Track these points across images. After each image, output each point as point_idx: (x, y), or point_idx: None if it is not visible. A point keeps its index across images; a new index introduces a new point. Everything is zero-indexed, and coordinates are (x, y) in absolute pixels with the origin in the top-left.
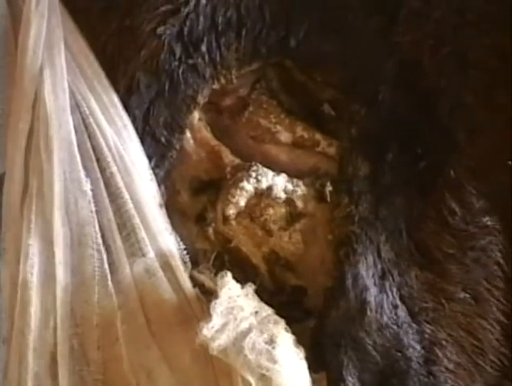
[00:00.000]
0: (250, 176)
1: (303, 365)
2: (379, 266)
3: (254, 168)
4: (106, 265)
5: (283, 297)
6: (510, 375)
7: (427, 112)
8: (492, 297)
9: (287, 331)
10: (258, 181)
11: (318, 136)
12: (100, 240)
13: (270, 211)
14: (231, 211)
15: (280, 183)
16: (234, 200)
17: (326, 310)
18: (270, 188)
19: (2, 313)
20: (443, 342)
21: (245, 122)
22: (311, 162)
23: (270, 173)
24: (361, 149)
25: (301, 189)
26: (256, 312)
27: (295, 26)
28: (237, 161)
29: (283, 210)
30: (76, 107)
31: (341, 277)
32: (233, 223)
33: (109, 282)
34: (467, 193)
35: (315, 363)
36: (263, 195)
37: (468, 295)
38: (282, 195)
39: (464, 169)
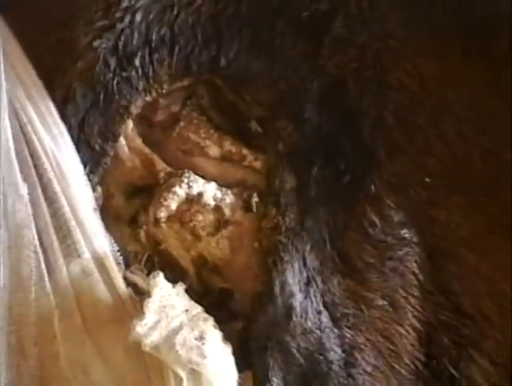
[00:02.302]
0: (182, 182)
1: (231, 360)
2: (304, 274)
3: (186, 175)
4: (43, 266)
5: (211, 298)
6: (423, 378)
7: (350, 131)
8: (408, 305)
9: (216, 328)
10: (189, 187)
11: (245, 150)
12: (37, 242)
13: (200, 217)
14: (162, 214)
15: (210, 191)
16: (166, 203)
17: (254, 314)
18: (200, 194)
19: None
20: (362, 347)
21: (176, 136)
22: (239, 174)
23: (201, 180)
24: (287, 163)
25: (229, 198)
26: (186, 310)
27: (226, 47)
28: (170, 169)
29: (212, 217)
30: (14, 115)
31: (269, 283)
32: (164, 226)
33: (47, 282)
34: (386, 207)
35: (242, 363)
36: (193, 201)
37: (386, 302)
38: (212, 202)
39: (384, 184)
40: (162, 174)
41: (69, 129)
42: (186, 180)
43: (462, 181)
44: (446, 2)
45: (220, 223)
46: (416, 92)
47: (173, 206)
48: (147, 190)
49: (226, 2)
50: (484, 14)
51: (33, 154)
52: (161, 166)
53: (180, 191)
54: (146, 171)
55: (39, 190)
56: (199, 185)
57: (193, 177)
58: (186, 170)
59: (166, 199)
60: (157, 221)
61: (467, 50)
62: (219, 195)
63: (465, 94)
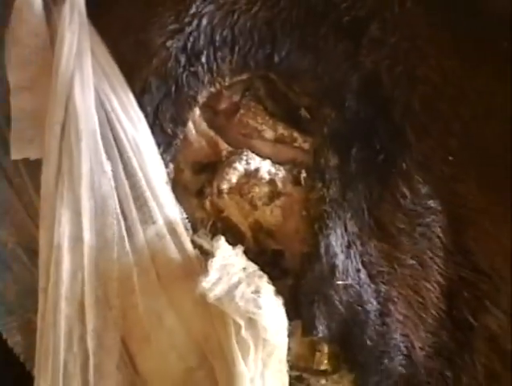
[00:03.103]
0: (242, 159)
1: (282, 311)
2: (346, 238)
3: (245, 153)
4: (124, 230)
5: (265, 258)
6: (446, 326)
7: (384, 116)
8: (434, 264)
9: (269, 284)
10: (247, 163)
11: (295, 134)
12: (118, 210)
13: (256, 189)
14: (224, 186)
15: (265, 167)
16: (228, 177)
17: (302, 272)
18: (257, 170)
19: (41, 268)
20: (395, 299)
21: (237, 122)
22: (290, 154)
23: (258, 158)
24: (331, 144)
25: (282, 173)
26: (244, 268)
27: (279, 47)
28: (231, 148)
29: (267, 189)
30: (100, 105)
31: (316, 245)
32: (226, 197)
33: (127, 244)
34: (415, 181)
35: (292, 314)
36: (251, 176)
37: (415, 262)
38: (267, 177)
39: (413, 162)
40: (224, 153)
41: (146, 116)
42: (245, 157)
43: (478, 158)
44: (466, 6)
45: (274, 195)
46: (439, 84)
47: (234, 179)
48: (212, 167)
49: (279, 8)
50: (495, 16)
51: (116, 137)
52: (223, 146)
53: (240, 167)
54: (211, 151)
55: (121, 167)
56: (256, 162)
57: (251, 155)
58: (245, 149)
59: (228, 174)
60: (220, 192)
61: (481, 47)
62: (273, 170)
63: (479, 84)
